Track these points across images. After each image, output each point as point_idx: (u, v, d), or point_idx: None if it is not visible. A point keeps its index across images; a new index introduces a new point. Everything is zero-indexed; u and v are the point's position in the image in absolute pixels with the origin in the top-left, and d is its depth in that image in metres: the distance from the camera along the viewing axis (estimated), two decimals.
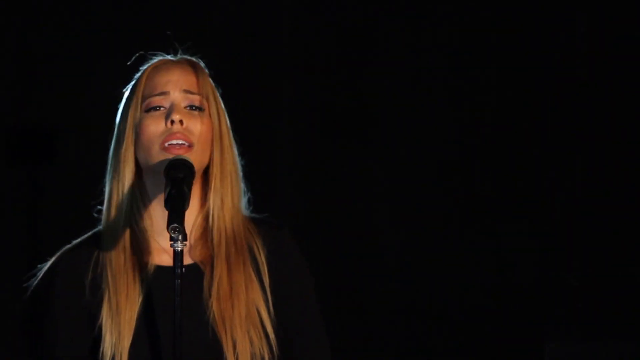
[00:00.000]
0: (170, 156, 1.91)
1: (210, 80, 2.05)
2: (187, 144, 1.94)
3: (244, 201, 2.05)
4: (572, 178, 3.46)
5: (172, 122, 1.94)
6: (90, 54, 3.08)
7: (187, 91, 1.98)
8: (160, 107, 1.97)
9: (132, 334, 1.91)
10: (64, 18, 3.09)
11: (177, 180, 1.82)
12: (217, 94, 2.04)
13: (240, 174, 2.04)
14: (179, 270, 1.76)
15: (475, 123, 3.41)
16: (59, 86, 3.08)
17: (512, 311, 3.37)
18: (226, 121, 2.03)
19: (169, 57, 2.07)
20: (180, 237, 1.74)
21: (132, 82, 2.04)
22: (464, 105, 3.41)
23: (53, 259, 2.02)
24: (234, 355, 1.91)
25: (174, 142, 1.93)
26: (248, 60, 2.83)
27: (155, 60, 2.06)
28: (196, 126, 1.96)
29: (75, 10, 3.10)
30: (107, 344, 1.91)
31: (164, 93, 1.97)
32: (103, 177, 2.03)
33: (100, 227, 2.02)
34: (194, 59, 2.06)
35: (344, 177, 3.32)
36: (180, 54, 2.08)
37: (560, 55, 3.47)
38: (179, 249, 1.75)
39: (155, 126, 1.95)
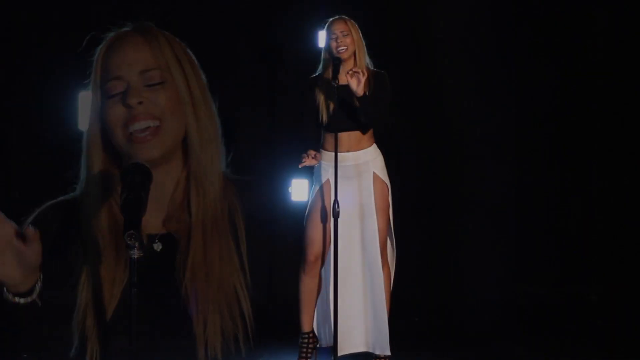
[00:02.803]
0: (137, 147, 1.84)
1: (170, 45, 1.93)
2: (152, 124, 1.86)
3: (223, 162, 1.97)
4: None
5: (130, 106, 1.85)
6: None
7: (143, 71, 1.88)
8: (118, 93, 1.88)
9: (111, 313, 1.85)
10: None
11: (134, 185, 1.73)
12: (183, 58, 1.93)
13: (220, 136, 1.96)
14: (134, 279, 1.68)
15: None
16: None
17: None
18: (197, 84, 1.93)
19: (122, 30, 1.95)
20: (137, 245, 1.66)
21: (91, 66, 1.94)
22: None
23: (37, 211, 1.94)
24: (204, 331, 1.85)
25: (137, 126, 1.85)
26: None
27: (108, 37, 1.94)
28: (159, 100, 1.87)
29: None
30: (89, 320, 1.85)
31: (118, 78, 1.88)
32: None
33: (78, 192, 1.95)
34: (147, 26, 1.95)
35: None
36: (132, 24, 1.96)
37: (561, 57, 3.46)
38: (135, 256, 1.68)
39: (114, 110, 1.87)
